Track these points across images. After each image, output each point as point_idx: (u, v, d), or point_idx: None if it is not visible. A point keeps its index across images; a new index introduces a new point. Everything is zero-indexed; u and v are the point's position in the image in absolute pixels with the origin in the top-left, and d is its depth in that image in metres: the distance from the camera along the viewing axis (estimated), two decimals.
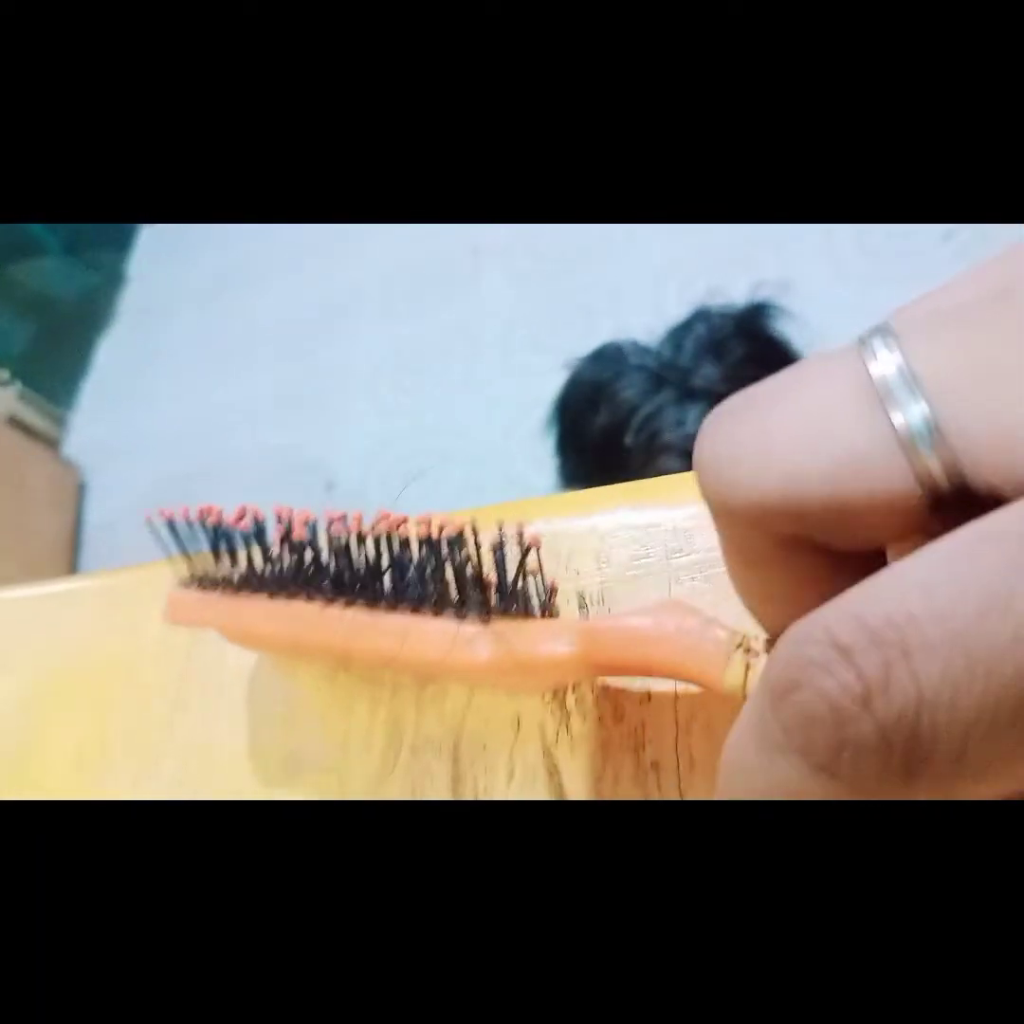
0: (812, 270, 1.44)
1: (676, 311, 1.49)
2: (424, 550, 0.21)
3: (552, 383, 1.51)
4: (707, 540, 0.23)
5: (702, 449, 0.13)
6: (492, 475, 1.48)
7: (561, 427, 0.69)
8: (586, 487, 0.75)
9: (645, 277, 1.55)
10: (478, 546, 0.20)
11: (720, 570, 0.20)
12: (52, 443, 1.89)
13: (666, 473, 0.62)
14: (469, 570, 0.20)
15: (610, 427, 0.60)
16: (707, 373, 0.57)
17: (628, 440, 0.58)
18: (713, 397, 0.57)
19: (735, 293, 1.43)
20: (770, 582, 0.14)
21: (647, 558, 0.23)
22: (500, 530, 0.20)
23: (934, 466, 0.10)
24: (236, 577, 0.25)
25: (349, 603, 0.22)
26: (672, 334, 0.63)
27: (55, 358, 1.96)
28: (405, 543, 0.21)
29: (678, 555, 0.23)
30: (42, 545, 1.66)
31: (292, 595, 0.23)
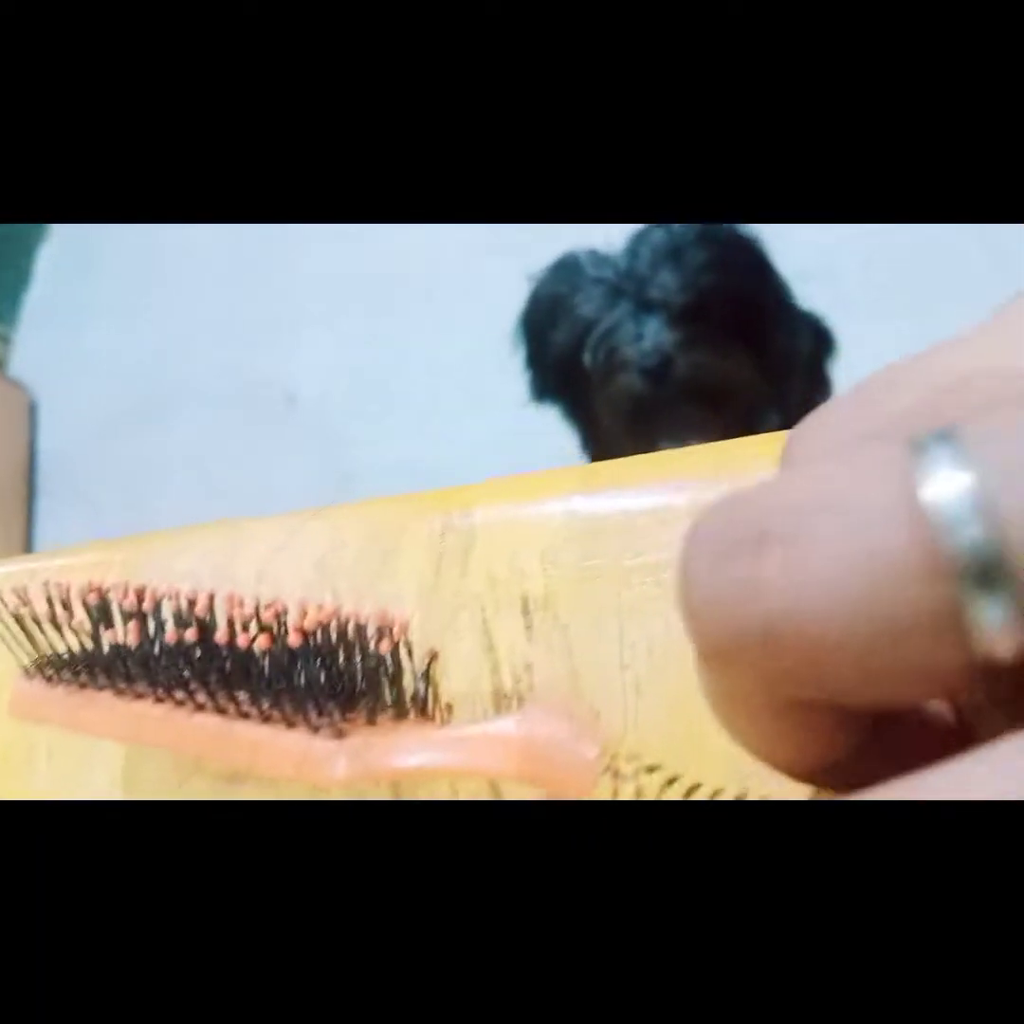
0: None
1: None
2: (277, 646, 0.19)
3: (516, 290, 1.47)
4: (661, 538, 0.22)
5: (693, 584, 0.10)
6: (459, 391, 1.45)
7: (526, 344, 0.67)
8: (554, 404, 0.73)
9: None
10: (343, 643, 0.18)
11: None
12: None
13: (626, 390, 0.61)
14: (322, 677, 0.18)
15: (569, 344, 0.58)
16: (664, 282, 0.55)
17: (586, 358, 0.57)
18: (670, 308, 0.56)
19: None
20: (766, 732, 0.11)
21: (596, 560, 0.22)
22: (360, 626, 0.19)
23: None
24: (80, 666, 0.22)
25: (198, 706, 0.20)
26: (630, 242, 0.61)
27: None
28: (269, 632, 0.19)
29: (631, 556, 0.22)
30: None
31: (138, 693, 0.21)
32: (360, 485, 1.44)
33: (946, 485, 0.08)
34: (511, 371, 1.26)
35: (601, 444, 0.66)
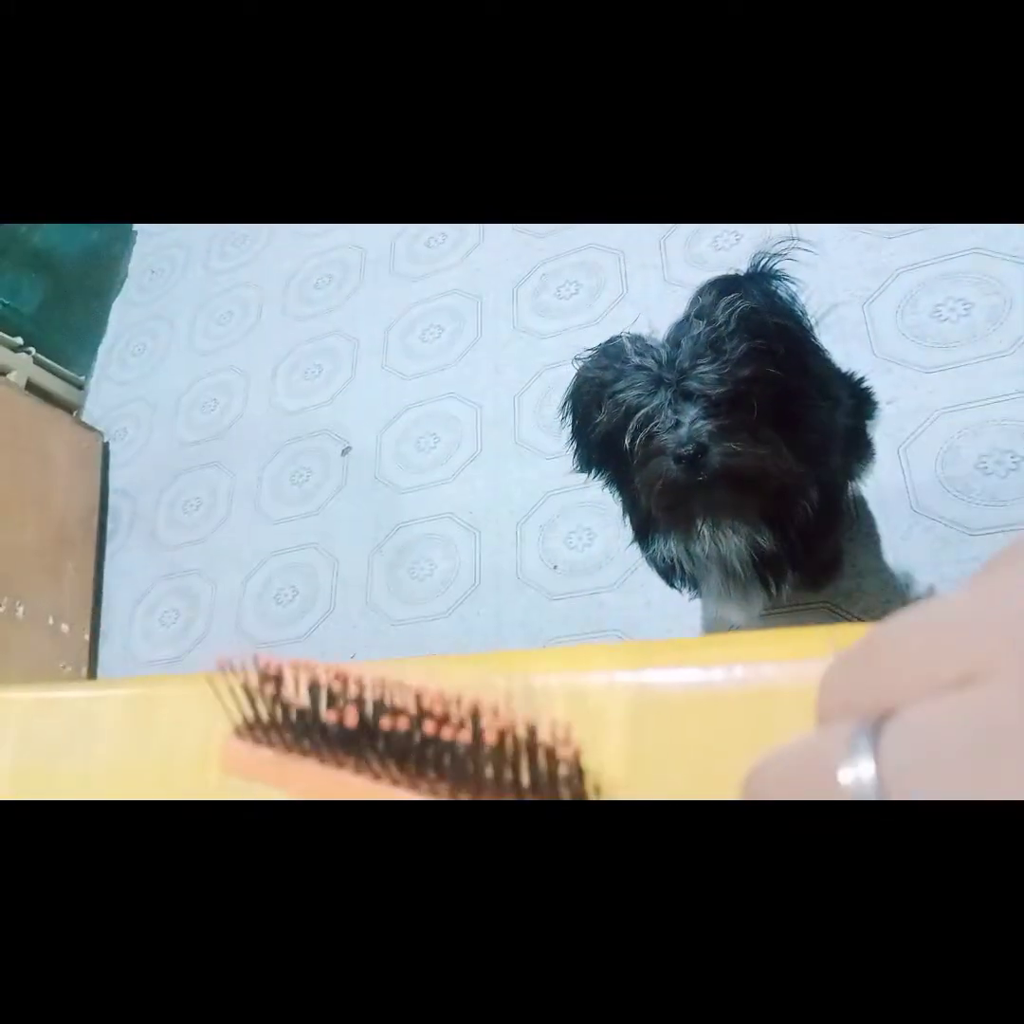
0: (818, 227, 1.42)
1: (680, 272, 1.48)
2: (472, 736, 0.22)
3: (558, 346, 1.52)
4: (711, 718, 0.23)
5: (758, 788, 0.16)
6: (501, 440, 1.50)
7: (571, 420, 0.71)
8: (598, 475, 0.76)
9: (648, 234, 1.54)
10: (530, 746, 0.21)
11: None
12: (71, 408, 1.92)
13: (662, 475, 0.65)
14: (508, 774, 0.21)
15: (611, 426, 0.62)
16: (703, 374, 0.59)
17: (626, 441, 0.61)
18: (708, 398, 0.59)
19: (744, 246, 1.41)
20: None
21: (649, 738, 0.23)
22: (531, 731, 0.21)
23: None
24: (287, 732, 0.26)
25: (394, 780, 0.23)
26: (673, 330, 0.65)
27: (68, 321, 1.97)
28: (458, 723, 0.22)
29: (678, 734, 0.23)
30: (69, 513, 1.71)
31: (340, 762, 0.24)
32: (411, 530, 1.49)
33: (859, 771, 0.13)
34: (553, 425, 1.30)
35: (640, 516, 0.69)
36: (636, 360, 0.62)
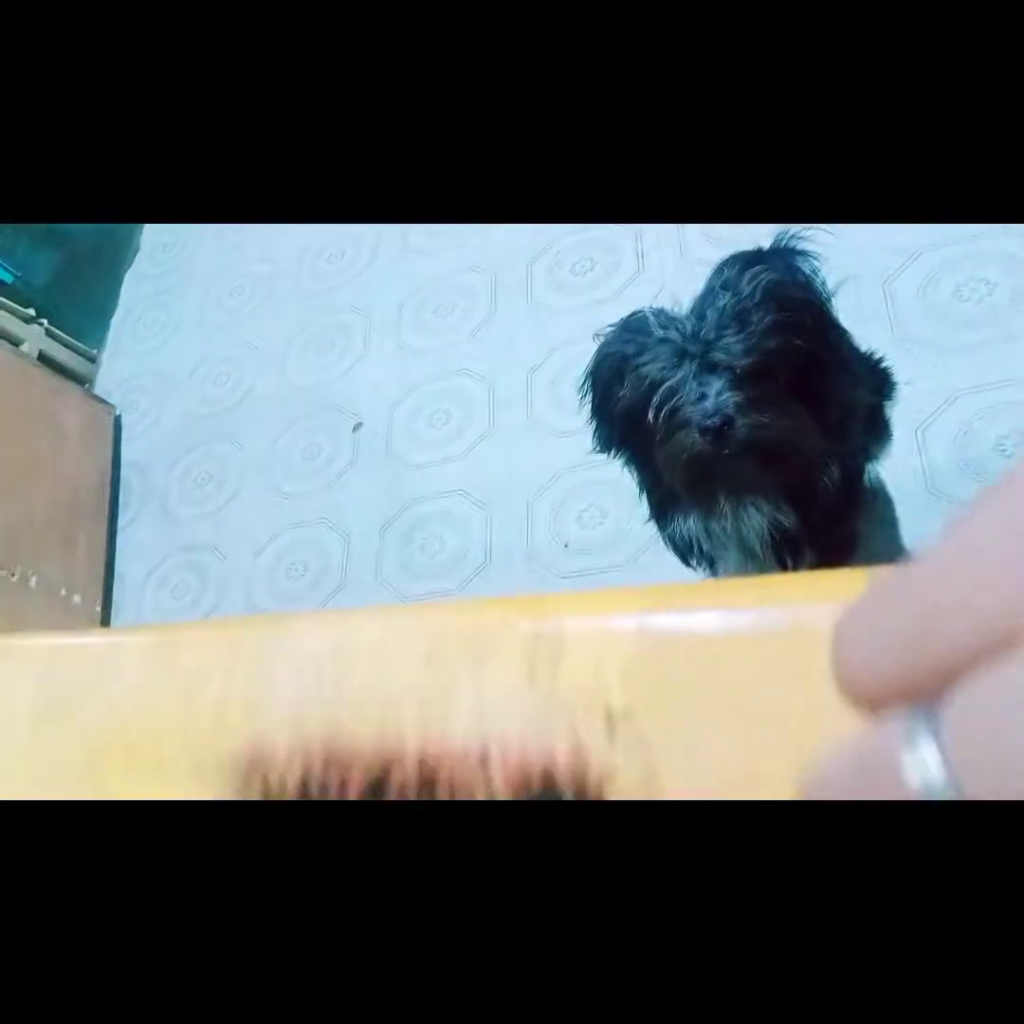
0: None
1: (698, 250, 1.46)
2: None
3: (573, 323, 1.51)
4: (734, 659, 0.23)
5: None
6: (514, 417, 1.50)
7: (592, 397, 0.70)
8: (618, 454, 0.76)
9: None
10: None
11: None
12: (83, 381, 1.92)
13: (686, 448, 0.64)
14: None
15: (634, 401, 0.62)
16: (728, 345, 0.58)
17: (649, 415, 0.60)
18: (733, 370, 0.59)
19: (761, 227, 1.39)
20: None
21: (672, 677, 0.23)
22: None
23: None
24: None
25: None
26: (697, 303, 0.64)
27: (80, 294, 1.96)
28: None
29: (702, 674, 0.23)
30: (81, 485, 1.71)
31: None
32: (422, 506, 1.49)
33: (924, 768, 0.12)
34: (567, 403, 1.29)
35: (661, 493, 0.69)
36: (660, 333, 0.61)
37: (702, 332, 0.60)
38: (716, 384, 0.59)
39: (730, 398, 0.58)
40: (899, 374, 1.17)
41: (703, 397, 0.59)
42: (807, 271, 0.93)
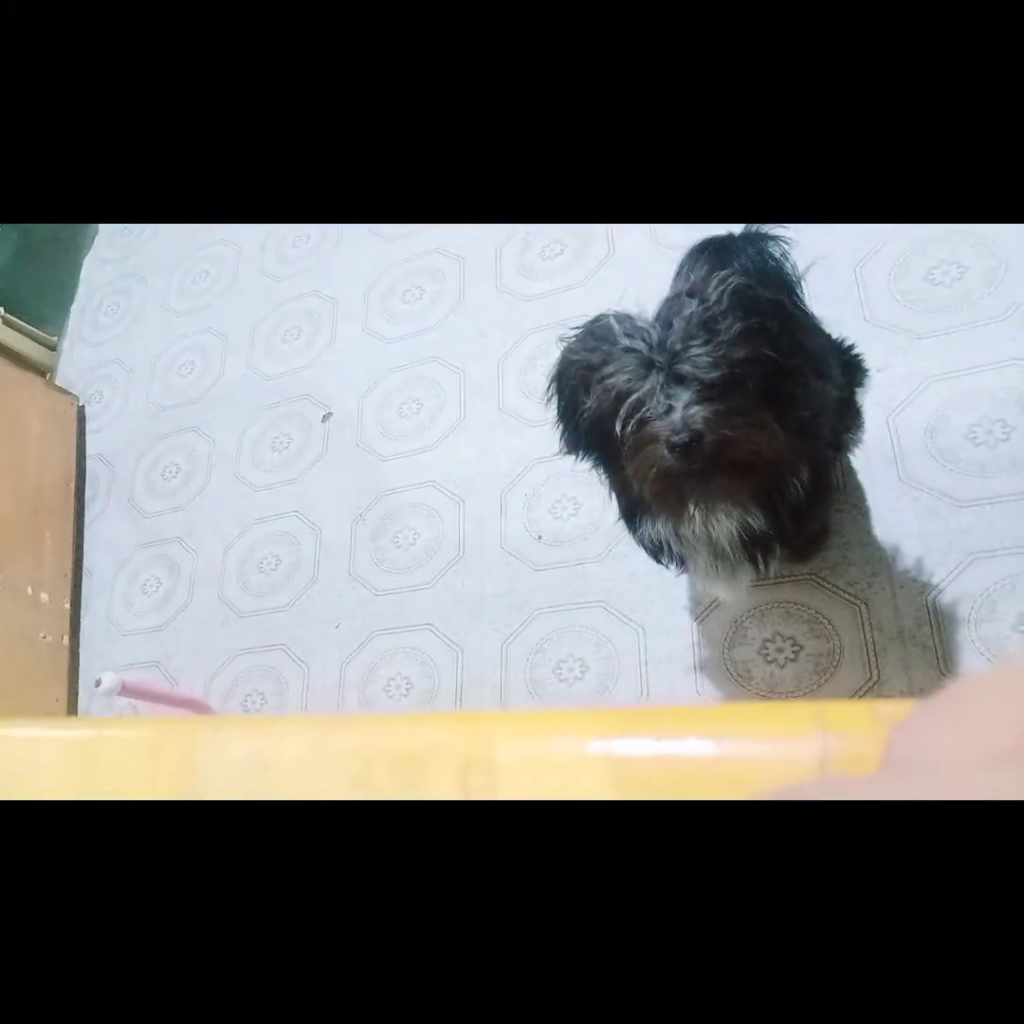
0: None
1: (670, 233, 1.43)
2: None
3: (543, 308, 1.48)
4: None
5: None
6: (485, 407, 1.47)
7: (558, 403, 0.69)
8: (586, 457, 0.74)
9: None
10: None
11: None
12: (44, 371, 1.86)
13: (655, 462, 0.63)
14: None
15: (600, 413, 0.60)
16: (696, 357, 0.57)
17: (617, 426, 0.59)
18: (700, 382, 0.57)
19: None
20: None
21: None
22: None
23: None
24: None
25: None
26: (663, 309, 0.62)
27: (39, 278, 1.90)
28: None
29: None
30: (45, 479, 1.67)
31: None
32: (394, 498, 1.47)
33: None
34: (538, 391, 1.27)
35: (630, 498, 0.68)
36: (625, 342, 0.60)
37: (668, 342, 0.58)
38: (684, 396, 0.57)
39: (698, 412, 0.57)
40: (871, 360, 1.17)
41: (670, 410, 0.58)
42: (777, 256, 0.91)
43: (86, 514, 1.76)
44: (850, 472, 1.17)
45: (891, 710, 0.15)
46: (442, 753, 0.25)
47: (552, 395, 0.68)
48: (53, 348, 1.91)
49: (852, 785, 0.14)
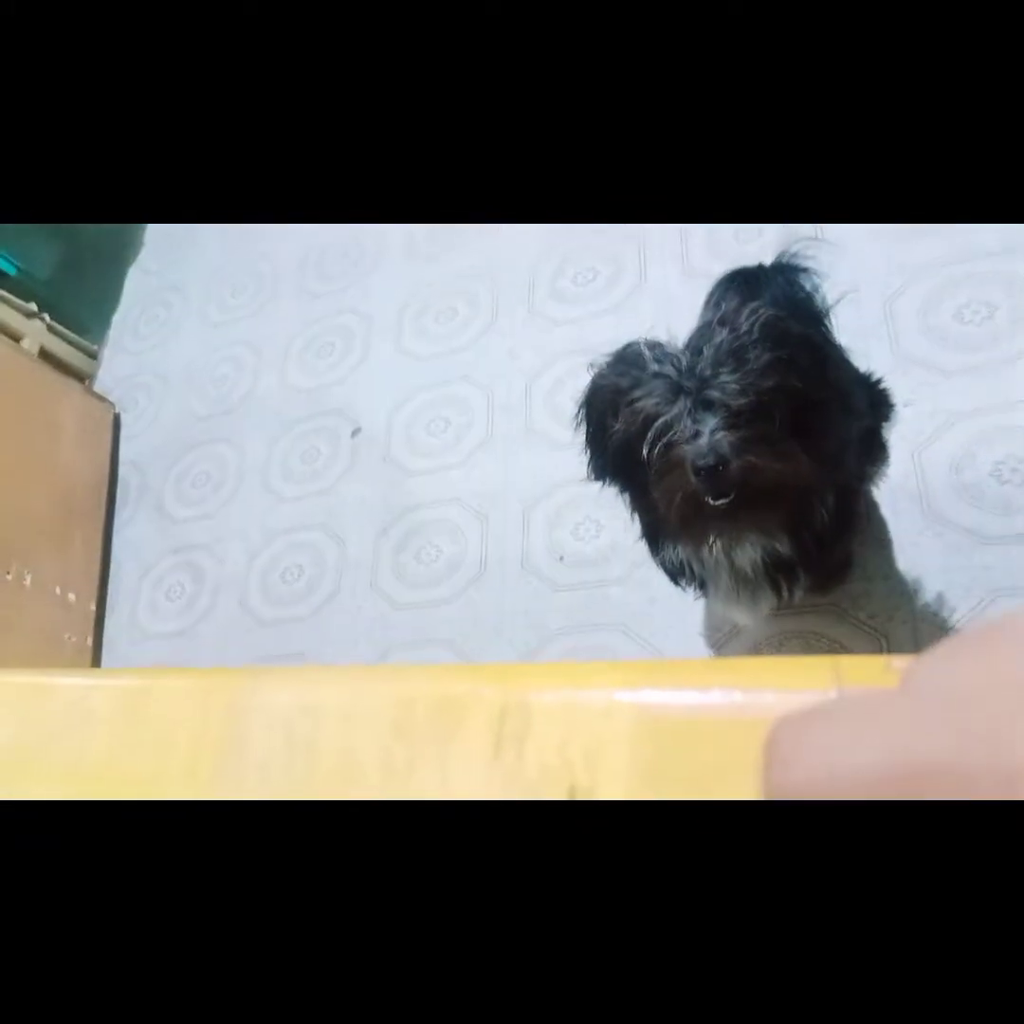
0: (844, 225, 1.39)
1: (701, 263, 1.45)
2: None
3: (574, 333, 1.50)
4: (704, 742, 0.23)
5: None
6: (512, 427, 1.49)
7: (587, 426, 0.70)
8: (613, 483, 0.75)
9: (670, 225, 1.51)
10: None
11: None
12: (83, 377, 1.92)
13: (681, 486, 0.64)
14: None
15: (628, 435, 0.61)
16: (725, 384, 0.58)
17: (644, 450, 0.60)
18: (729, 408, 0.58)
19: (767, 237, 1.39)
20: None
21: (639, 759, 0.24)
22: None
23: None
24: None
25: None
26: (693, 337, 0.63)
27: (83, 288, 1.96)
28: None
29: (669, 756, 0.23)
30: (78, 483, 1.71)
31: None
32: (418, 513, 1.49)
33: None
34: (565, 414, 1.29)
35: (653, 519, 0.69)
36: (655, 367, 0.61)
37: (698, 368, 0.60)
38: (711, 422, 0.59)
39: (725, 438, 0.58)
40: (898, 395, 1.17)
41: (698, 434, 0.59)
42: (808, 288, 0.93)
43: (116, 519, 1.80)
44: (874, 505, 1.17)
45: (907, 663, 0.15)
46: (479, 698, 0.26)
47: (581, 420, 0.70)
48: (94, 356, 1.96)
49: (868, 699, 0.14)
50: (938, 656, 0.15)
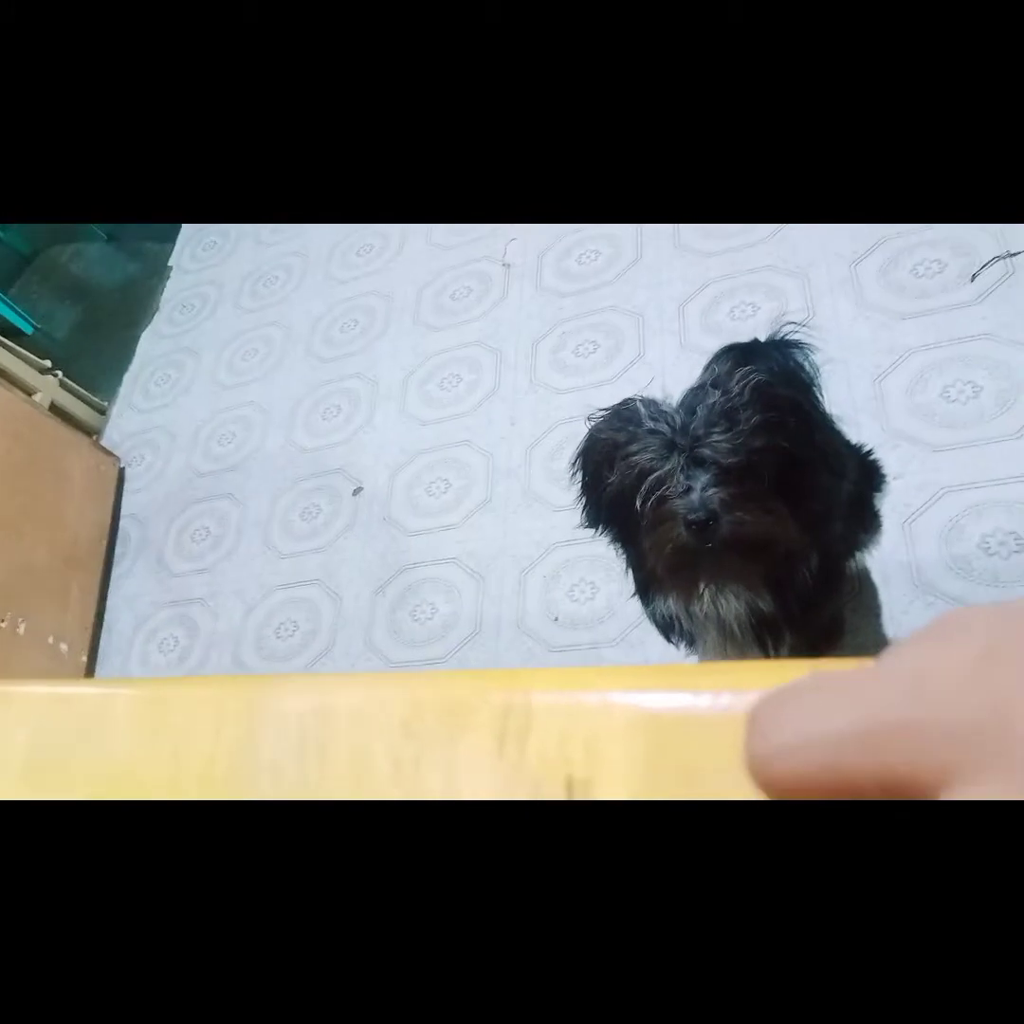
0: (834, 303, 1.46)
1: (697, 338, 1.52)
2: None
3: (573, 401, 1.55)
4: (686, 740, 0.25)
5: None
6: (511, 490, 1.52)
7: (582, 477, 0.73)
8: (606, 532, 0.77)
9: (669, 301, 1.58)
10: None
11: None
12: (92, 432, 1.96)
13: (671, 539, 0.66)
14: None
15: (622, 487, 0.64)
16: (716, 442, 0.61)
17: (637, 502, 0.63)
18: (720, 466, 0.61)
19: (759, 320, 1.46)
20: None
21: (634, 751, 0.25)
22: None
23: None
24: None
25: None
26: (687, 396, 0.67)
27: (98, 348, 2.02)
28: None
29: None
30: (80, 534, 1.73)
31: None
32: (415, 572, 1.51)
33: None
34: (563, 478, 1.32)
35: (645, 573, 0.71)
36: (650, 424, 0.64)
37: (691, 427, 0.63)
38: (702, 478, 0.61)
39: (715, 494, 0.60)
40: (888, 467, 1.21)
41: (689, 490, 0.61)
42: (799, 361, 0.97)
43: (114, 571, 1.81)
44: (865, 573, 1.19)
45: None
46: (485, 699, 0.27)
47: (577, 468, 0.73)
48: (103, 412, 2.01)
49: (839, 676, 0.15)
50: (902, 644, 0.16)
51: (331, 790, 0.29)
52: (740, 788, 0.19)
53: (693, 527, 0.60)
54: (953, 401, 1.30)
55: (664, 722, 0.25)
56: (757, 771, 0.16)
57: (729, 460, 0.61)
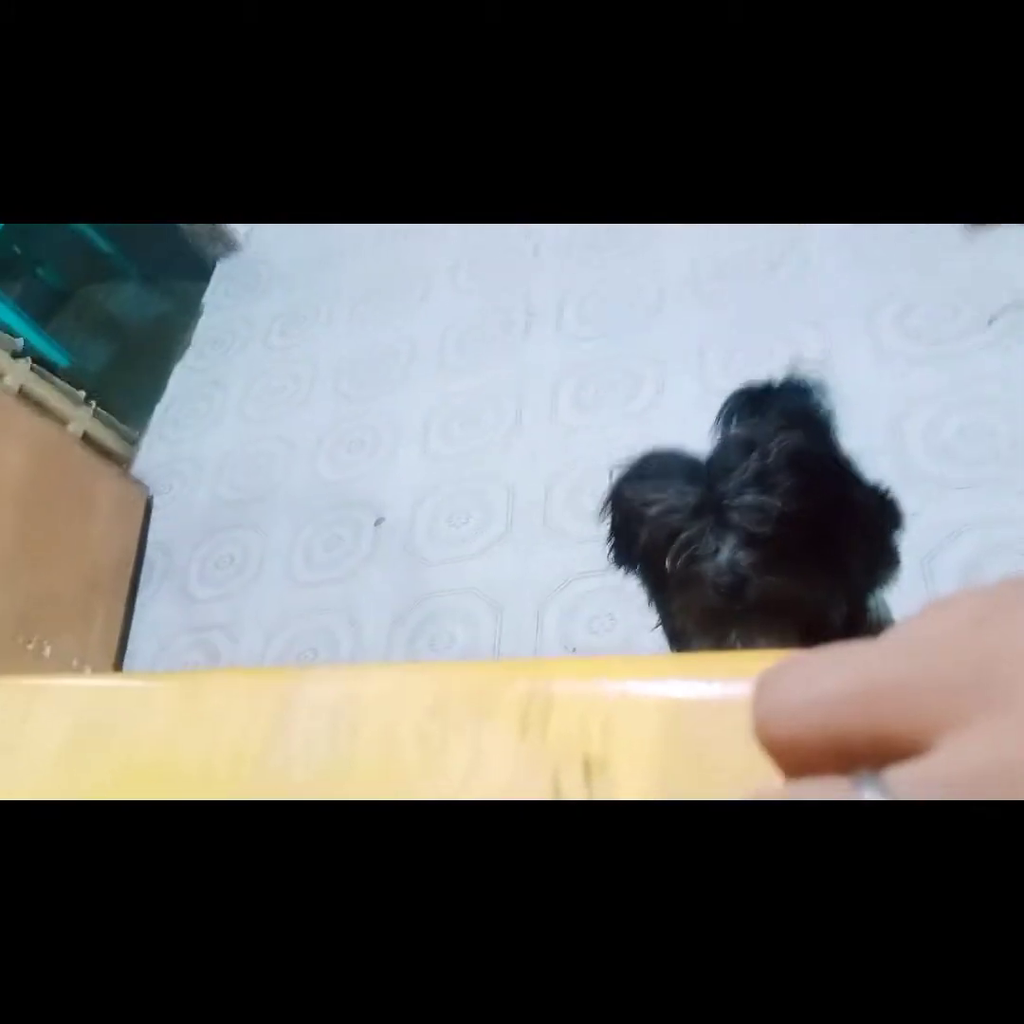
0: (851, 351, 1.49)
1: (719, 382, 1.54)
2: None
3: (593, 439, 1.58)
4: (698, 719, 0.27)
5: None
6: (531, 523, 1.55)
7: (612, 528, 0.74)
8: (636, 579, 0.78)
9: (689, 346, 1.61)
10: None
11: None
12: (122, 462, 2.00)
13: (701, 600, 0.67)
14: None
15: (652, 547, 0.66)
16: (748, 508, 0.61)
17: (667, 562, 0.64)
18: (747, 534, 0.62)
19: (775, 364, 1.47)
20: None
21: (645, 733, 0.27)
22: None
23: None
24: None
25: None
26: (719, 452, 0.68)
27: (130, 381, 2.07)
28: None
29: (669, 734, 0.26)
30: (106, 560, 1.76)
31: None
32: (435, 602, 1.53)
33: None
34: (583, 512, 1.34)
35: (676, 630, 0.72)
36: (679, 483, 0.66)
37: (722, 487, 0.64)
38: (731, 540, 0.63)
39: (744, 557, 0.62)
40: (906, 505, 1.22)
41: (718, 551, 0.63)
42: (815, 399, 0.98)
43: (138, 597, 1.84)
44: (886, 609, 1.20)
45: None
46: (508, 685, 0.29)
47: (605, 517, 0.74)
48: (134, 442, 2.05)
49: (843, 646, 0.16)
50: (900, 623, 0.17)
51: (361, 768, 0.30)
52: (751, 767, 0.20)
53: (722, 590, 0.61)
54: (970, 440, 1.32)
55: (679, 706, 0.27)
56: (759, 731, 0.17)
57: (761, 528, 0.62)
